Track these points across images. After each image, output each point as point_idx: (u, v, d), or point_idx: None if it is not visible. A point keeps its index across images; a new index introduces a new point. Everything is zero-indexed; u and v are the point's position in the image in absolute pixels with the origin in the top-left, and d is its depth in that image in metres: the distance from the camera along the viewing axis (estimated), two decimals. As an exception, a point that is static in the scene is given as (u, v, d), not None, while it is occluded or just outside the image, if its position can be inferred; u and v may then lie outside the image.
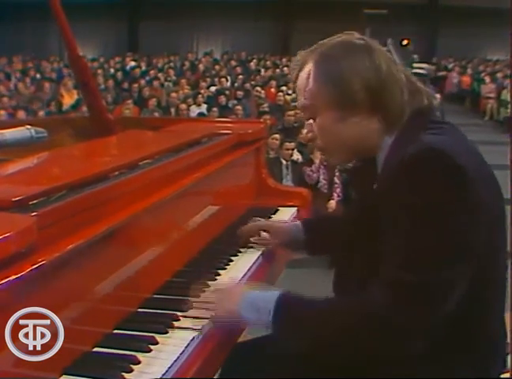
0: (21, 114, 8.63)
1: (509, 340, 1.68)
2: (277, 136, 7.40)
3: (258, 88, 12.53)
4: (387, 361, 1.45)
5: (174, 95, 11.40)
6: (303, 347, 1.50)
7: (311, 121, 1.60)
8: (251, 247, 2.13)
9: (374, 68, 1.51)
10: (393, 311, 1.38)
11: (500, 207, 1.52)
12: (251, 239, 2.14)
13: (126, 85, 13.20)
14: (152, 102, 10.69)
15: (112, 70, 15.88)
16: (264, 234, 2.12)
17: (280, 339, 1.54)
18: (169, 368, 1.37)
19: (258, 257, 2.08)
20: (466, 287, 1.42)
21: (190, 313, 1.60)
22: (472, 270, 1.41)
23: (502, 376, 1.63)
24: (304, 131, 1.69)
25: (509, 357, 1.68)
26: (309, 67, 1.56)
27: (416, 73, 13.81)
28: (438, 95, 13.51)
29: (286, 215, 2.57)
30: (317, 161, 6.92)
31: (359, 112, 1.52)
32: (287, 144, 7.15)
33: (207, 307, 1.58)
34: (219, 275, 1.90)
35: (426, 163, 1.40)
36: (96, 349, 1.44)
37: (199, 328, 1.53)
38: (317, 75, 1.55)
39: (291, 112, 9.34)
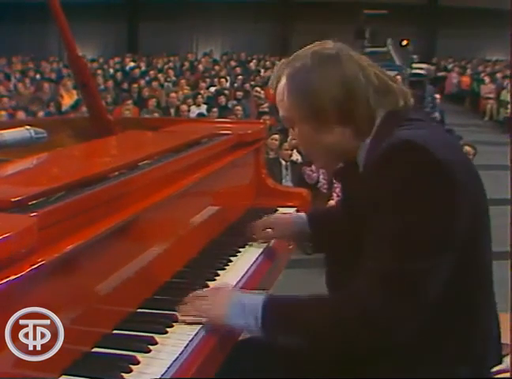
0: (21, 115, 8.63)
1: (509, 341, 1.68)
2: (277, 136, 7.41)
3: (258, 89, 12.52)
4: (376, 351, 1.46)
5: (173, 95, 11.39)
6: (294, 346, 1.52)
7: (292, 130, 1.67)
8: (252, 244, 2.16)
9: (341, 80, 1.54)
10: (378, 300, 1.40)
11: (482, 195, 1.54)
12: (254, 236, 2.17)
13: (125, 86, 13.20)
14: (152, 102, 10.69)
15: (112, 71, 15.88)
16: (268, 230, 2.15)
17: (271, 341, 1.56)
18: (168, 368, 1.37)
19: (258, 258, 2.09)
20: (449, 275, 1.43)
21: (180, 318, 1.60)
22: (454, 257, 1.43)
23: (502, 376, 1.63)
24: (289, 138, 1.74)
25: (509, 357, 1.68)
26: (283, 80, 1.62)
27: (415, 74, 13.85)
28: (437, 96, 13.53)
29: (285, 215, 2.57)
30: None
31: (331, 123, 1.57)
32: (286, 144, 7.15)
33: (194, 313, 1.59)
34: (218, 275, 1.90)
35: (400, 154, 1.43)
36: (95, 349, 1.44)
37: (198, 329, 1.53)
38: (289, 90, 1.60)
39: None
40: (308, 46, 1.64)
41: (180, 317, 1.59)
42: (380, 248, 1.43)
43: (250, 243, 2.16)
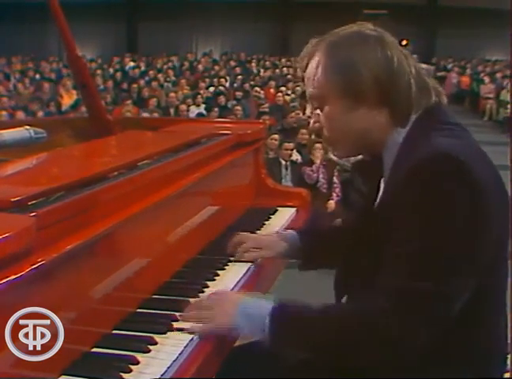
0: (20, 115, 8.63)
1: (509, 340, 1.68)
2: (276, 136, 7.41)
3: (257, 89, 12.54)
4: (386, 368, 1.43)
5: (172, 95, 11.40)
6: (301, 355, 1.49)
7: (318, 111, 1.58)
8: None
9: (385, 60, 1.49)
10: (390, 318, 1.36)
11: (506, 216, 1.48)
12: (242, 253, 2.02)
13: (125, 86, 13.20)
14: (152, 102, 10.69)
15: (111, 71, 15.88)
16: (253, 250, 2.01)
17: (278, 350, 1.52)
18: (168, 368, 1.37)
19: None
20: (468, 296, 1.40)
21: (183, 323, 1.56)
22: (476, 280, 1.40)
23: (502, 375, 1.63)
24: (312, 121, 1.65)
25: (509, 357, 1.68)
26: (319, 56, 1.54)
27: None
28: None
29: (285, 215, 2.57)
30: (317, 161, 6.92)
31: (367, 103, 1.50)
32: (286, 144, 7.15)
33: (199, 318, 1.55)
34: (218, 275, 1.90)
35: (438, 169, 1.37)
36: (94, 349, 1.44)
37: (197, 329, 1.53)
38: (327, 64, 1.52)
39: (292, 114, 9.35)
40: (347, 26, 1.57)
41: (184, 326, 1.54)
42: (399, 266, 1.38)
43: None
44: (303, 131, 7.95)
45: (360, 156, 1.69)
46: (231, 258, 2.01)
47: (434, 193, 1.36)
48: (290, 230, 2.04)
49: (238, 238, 2.02)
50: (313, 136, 7.88)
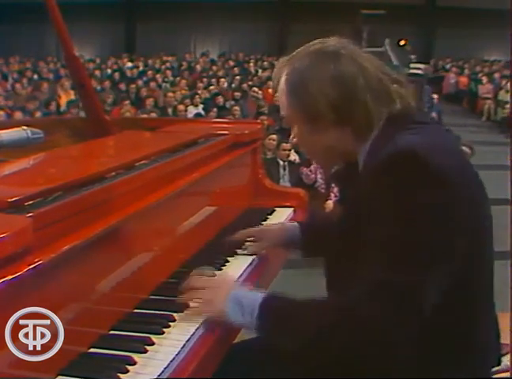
0: (18, 115, 8.63)
1: (509, 341, 1.68)
2: (274, 136, 7.41)
3: (255, 89, 12.53)
4: (371, 361, 1.43)
5: (170, 95, 11.40)
6: (287, 346, 1.50)
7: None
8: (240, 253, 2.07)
9: (337, 79, 1.51)
10: (367, 311, 1.37)
11: (483, 202, 1.52)
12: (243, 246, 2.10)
13: (123, 86, 13.19)
14: (149, 102, 10.68)
15: (109, 71, 15.88)
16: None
17: (266, 339, 1.56)
18: (165, 368, 1.37)
19: (255, 258, 2.08)
20: (448, 285, 1.41)
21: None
22: (452, 268, 1.41)
23: (502, 375, 1.63)
24: (291, 136, 1.71)
25: (508, 357, 1.68)
26: (283, 79, 1.60)
27: (413, 74, 13.86)
28: (435, 96, 13.55)
29: (283, 215, 2.57)
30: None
31: (327, 124, 1.55)
32: (284, 144, 7.15)
33: (193, 298, 1.60)
34: (215, 275, 1.90)
35: (400, 164, 1.41)
36: (92, 349, 1.44)
37: (195, 329, 1.53)
38: (286, 91, 1.59)
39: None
40: (311, 43, 1.61)
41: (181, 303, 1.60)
42: (373, 258, 1.40)
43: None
44: (291, 136, 7.93)
45: (336, 167, 1.75)
46: (229, 258, 2.02)
47: (397, 187, 1.39)
48: (288, 223, 2.13)
49: (241, 234, 2.08)
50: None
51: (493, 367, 1.59)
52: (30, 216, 1.32)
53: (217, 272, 1.90)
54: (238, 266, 1.96)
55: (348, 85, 1.51)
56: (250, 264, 1.99)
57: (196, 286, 1.63)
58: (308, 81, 1.53)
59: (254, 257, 2.05)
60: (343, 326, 1.40)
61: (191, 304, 1.61)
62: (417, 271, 1.37)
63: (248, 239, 2.09)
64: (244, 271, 1.95)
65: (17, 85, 12.64)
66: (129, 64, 17.04)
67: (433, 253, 1.38)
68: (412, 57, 16.32)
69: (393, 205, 1.39)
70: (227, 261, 2.01)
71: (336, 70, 1.52)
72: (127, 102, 10.45)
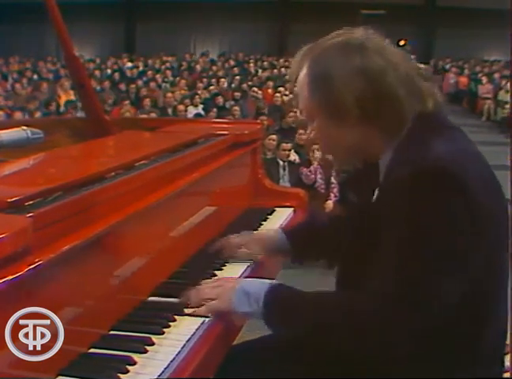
0: (18, 115, 8.63)
1: (508, 341, 1.68)
2: (274, 136, 7.41)
3: (255, 89, 12.53)
4: (376, 361, 1.44)
5: (170, 95, 11.40)
6: (291, 335, 1.51)
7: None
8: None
9: (365, 73, 1.43)
10: (378, 319, 1.37)
11: (504, 219, 1.48)
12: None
13: (123, 86, 13.19)
14: (147, 101, 10.66)
15: (109, 71, 15.88)
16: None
17: (270, 327, 1.54)
18: (165, 369, 1.37)
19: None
20: (459, 301, 1.40)
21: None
22: (467, 282, 1.40)
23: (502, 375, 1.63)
24: (308, 131, 1.61)
25: (508, 357, 1.68)
26: (304, 71, 1.52)
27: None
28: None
29: (283, 215, 2.57)
30: (315, 163, 6.91)
31: (353, 120, 1.47)
32: (284, 144, 7.15)
33: (201, 300, 1.59)
34: (215, 276, 1.90)
35: (426, 178, 1.36)
36: (92, 350, 1.44)
37: (196, 329, 1.53)
38: (309, 84, 1.50)
39: (291, 114, 9.35)
40: (333, 34, 1.52)
41: (186, 303, 1.60)
42: (388, 266, 1.38)
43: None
44: (301, 131, 7.96)
45: (346, 175, 1.71)
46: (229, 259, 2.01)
47: (423, 202, 1.36)
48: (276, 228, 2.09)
49: (235, 240, 2.03)
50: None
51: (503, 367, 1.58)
52: (30, 216, 1.32)
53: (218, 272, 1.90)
54: (232, 274, 1.93)
55: (376, 80, 1.43)
56: (245, 271, 1.96)
57: (202, 287, 1.62)
58: (333, 74, 1.45)
59: (247, 264, 2.00)
60: (349, 324, 1.40)
61: (198, 300, 1.60)
62: (436, 280, 1.35)
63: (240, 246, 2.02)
64: (249, 264, 1.96)
65: (17, 85, 12.64)
66: (129, 64, 17.04)
67: (446, 263, 1.36)
68: (412, 57, 16.33)
69: (415, 218, 1.36)
70: (228, 262, 2.00)
71: (363, 63, 1.44)
72: (127, 102, 10.44)
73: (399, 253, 1.37)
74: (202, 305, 1.59)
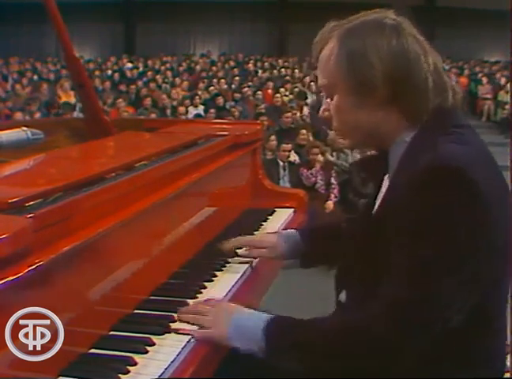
0: (19, 116, 8.63)
1: (508, 341, 1.67)
2: (274, 137, 7.42)
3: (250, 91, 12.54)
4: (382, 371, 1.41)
5: (169, 96, 11.40)
6: (296, 366, 1.45)
7: (329, 100, 1.53)
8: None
9: (400, 52, 1.41)
10: (386, 328, 1.34)
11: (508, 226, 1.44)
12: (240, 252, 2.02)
13: (123, 87, 13.19)
14: (146, 101, 10.67)
15: (109, 72, 15.88)
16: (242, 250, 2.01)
17: (274, 362, 1.49)
18: (165, 369, 1.37)
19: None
20: (467, 307, 1.38)
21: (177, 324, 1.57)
22: (475, 293, 1.38)
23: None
24: (322, 108, 1.56)
25: (508, 357, 1.67)
26: (333, 43, 1.48)
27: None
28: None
29: (283, 216, 2.57)
30: (317, 165, 6.91)
31: (378, 100, 1.43)
32: (284, 145, 7.16)
33: (194, 323, 1.55)
34: (215, 276, 1.90)
35: (439, 180, 1.33)
36: (92, 350, 1.44)
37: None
38: (338, 53, 1.46)
39: (288, 114, 9.35)
40: (363, 13, 1.50)
41: (179, 329, 1.54)
42: (396, 273, 1.35)
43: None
44: (302, 132, 7.96)
45: (359, 157, 1.69)
46: (230, 259, 2.01)
47: (434, 204, 1.33)
48: (290, 230, 2.02)
49: (236, 241, 2.01)
50: (311, 138, 7.90)
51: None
52: (30, 217, 1.32)
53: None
54: (233, 274, 1.93)
55: (410, 63, 1.41)
56: (245, 272, 1.95)
57: (196, 310, 1.58)
58: (367, 49, 1.41)
59: (247, 265, 2.00)
60: (355, 344, 1.38)
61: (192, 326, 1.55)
62: (443, 292, 1.33)
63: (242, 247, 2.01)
64: (239, 279, 1.91)
65: (17, 86, 12.64)
66: (129, 65, 17.04)
67: (456, 273, 1.33)
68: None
69: (426, 222, 1.33)
70: (228, 262, 2.00)
71: (401, 44, 1.42)
72: (120, 100, 10.39)
73: (412, 257, 1.34)
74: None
